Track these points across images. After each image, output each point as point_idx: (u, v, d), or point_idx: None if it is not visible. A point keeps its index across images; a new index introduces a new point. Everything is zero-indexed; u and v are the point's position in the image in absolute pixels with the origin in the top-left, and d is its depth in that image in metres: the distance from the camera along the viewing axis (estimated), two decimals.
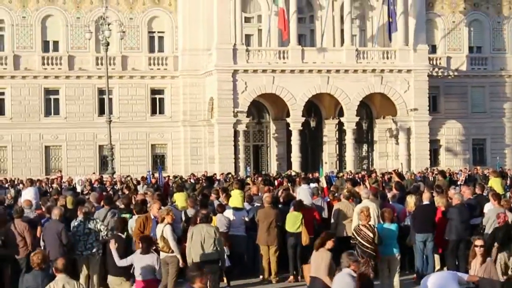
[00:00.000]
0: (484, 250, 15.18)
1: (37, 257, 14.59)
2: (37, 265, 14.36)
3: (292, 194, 28.00)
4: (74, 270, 19.46)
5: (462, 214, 22.52)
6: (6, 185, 45.87)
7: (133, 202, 24.49)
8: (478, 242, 15.44)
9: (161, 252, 18.80)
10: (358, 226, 19.84)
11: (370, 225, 19.90)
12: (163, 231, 18.75)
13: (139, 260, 16.11)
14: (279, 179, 43.35)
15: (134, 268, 16.42)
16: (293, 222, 22.88)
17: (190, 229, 19.34)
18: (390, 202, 25.06)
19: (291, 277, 22.86)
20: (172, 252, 18.75)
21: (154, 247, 17.39)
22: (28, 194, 28.93)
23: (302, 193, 26.43)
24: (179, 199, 26.42)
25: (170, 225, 18.83)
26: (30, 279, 14.47)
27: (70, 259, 16.99)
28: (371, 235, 19.43)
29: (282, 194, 27.58)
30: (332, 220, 23.71)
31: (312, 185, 30.96)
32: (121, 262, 16.73)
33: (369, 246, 19.27)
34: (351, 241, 20.15)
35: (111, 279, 17.74)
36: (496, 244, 18.39)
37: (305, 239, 22.75)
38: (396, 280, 20.25)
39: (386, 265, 20.26)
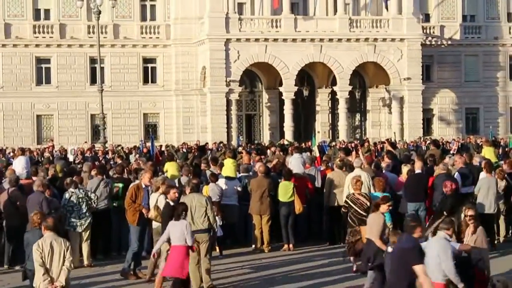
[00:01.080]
0: (475, 219, 15.21)
1: (37, 217, 15.01)
2: (37, 224, 14.67)
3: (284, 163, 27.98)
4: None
5: (445, 183, 22.60)
6: None
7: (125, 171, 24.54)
8: (469, 212, 15.47)
9: (154, 222, 18.81)
10: (354, 194, 19.83)
11: (365, 193, 19.95)
12: (157, 200, 18.72)
13: (173, 227, 16.14)
14: (272, 148, 43.37)
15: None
16: (285, 191, 22.90)
17: (181, 198, 19.33)
18: (384, 171, 25.08)
19: (285, 246, 22.90)
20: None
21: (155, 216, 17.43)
22: (19, 163, 28.93)
23: (294, 162, 26.42)
24: (170, 168, 26.41)
25: (164, 194, 18.80)
26: (30, 236, 14.76)
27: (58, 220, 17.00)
28: (368, 203, 19.46)
29: (275, 163, 27.56)
30: (325, 190, 23.72)
31: (305, 154, 30.96)
32: (162, 237, 16.65)
33: (365, 214, 19.30)
34: (342, 209, 20.17)
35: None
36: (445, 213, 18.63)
37: (298, 208, 22.84)
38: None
39: None
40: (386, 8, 65.33)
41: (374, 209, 16.91)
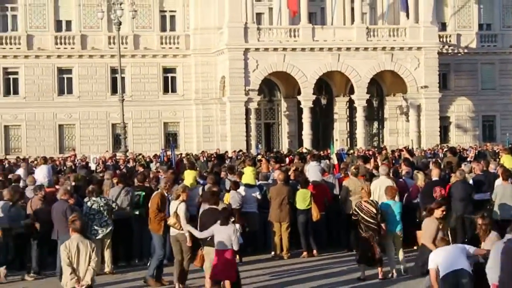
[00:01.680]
0: (486, 227, 15.18)
1: (79, 224, 14.79)
2: (79, 229, 14.49)
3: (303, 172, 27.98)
4: None
5: (461, 191, 22.50)
6: (20, 164, 45.94)
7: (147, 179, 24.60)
8: (479, 220, 15.47)
9: (172, 229, 18.84)
10: (360, 202, 19.89)
11: (372, 200, 19.97)
12: (177, 208, 18.77)
13: (218, 231, 16.22)
14: (290, 156, 43.37)
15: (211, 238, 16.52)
16: (303, 199, 22.96)
17: (202, 206, 19.36)
18: (403, 179, 25.08)
19: (305, 253, 22.95)
20: (181, 230, 18.77)
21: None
22: (41, 172, 29.04)
23: (311, 170, 26.45)
24: (188, 176, 26.39)
25: (185, 202, 18.84)
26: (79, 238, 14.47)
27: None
28: (374, 210, 19.50)
29: (293, 172, 27.57)
30: (341, 197, 23.76)
31: (324, 162, 30.99)
32: (202, 234, 16.76)
33: (372, 221, 19.34)
34: (352, 217, 20.19)
35: (208, 249, 17.70)
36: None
37: (315, 215, 22.90)
38: (401, 254, 20.33)
39: (391, 240, 20.32)
40: (407, 15, 65.29)
41: (428, 214, 17.01)
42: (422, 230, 16.55)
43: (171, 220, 18.64)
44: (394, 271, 19.94)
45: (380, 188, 22.44)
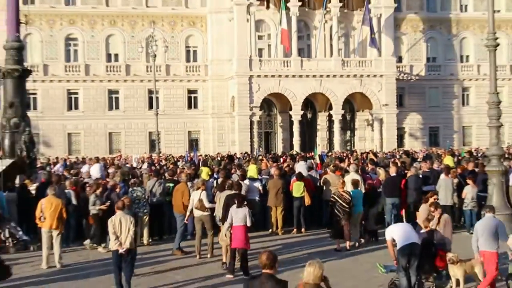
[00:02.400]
0: (435, 210, 15.21)
1: (126, 201, 15.91)
2: (121, 207, 15.01)
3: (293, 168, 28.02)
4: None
5: (414, 183, 22.67)
6: (79, 162, 45.95)
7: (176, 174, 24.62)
8: (432, 207, 15.50)
9: (196, 211, 18.85)
10: (338, 191, 19.93)
11: (346, 191, 20.02)
12: (200, 195, 18.85)
13: (235, 212, 16.31)
14: (284, 157, 43.30)
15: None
16: (297, 189, 23.04)
17: (217, 194, 19.39)
18: (369, 174, 25.10)
19: (294, 230, 22.97)
20: (207, 211, 18.85)
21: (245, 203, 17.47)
22: (95, 169, 29.03)
23: (300, 167, 26.50)
24: (203, 171, 26.70)
25: (205, 191, 19.01)
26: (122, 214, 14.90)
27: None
28: (349, 197, 19.61)
29: (287, 167, 27.63)
30: (324, 188, 23.78)
31: (309, 161, 30.95)
32: (228, 220, 16.73)
33: (346, 205, 19.43)
34: (329, 203, 20.19)
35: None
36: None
37: (307, 201, 23.05)
38: (357, 229, 20.46)
39: (358, 218, 20.41)
40: (379, 50, 65.46)
41: (424, 201, 16.97)
42: (419, 212, 16.52)
43: (197, 204, 18.74)
44: (361, 240, 20.08)
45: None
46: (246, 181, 23.24)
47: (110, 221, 14.59)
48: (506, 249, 14.26)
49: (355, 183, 20.74)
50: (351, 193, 20.07)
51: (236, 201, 16.68)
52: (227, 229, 16.81)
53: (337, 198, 19.70)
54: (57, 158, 49.93)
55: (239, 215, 16.38)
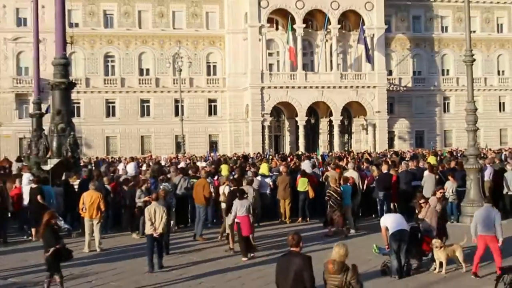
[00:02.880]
0: (423, 202, 15.16)
1: (161, 193, 16.67)
2: (156, 198, 15.67)
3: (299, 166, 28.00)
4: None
5: (405, 177, 22.65)
6: (116, 161, 46.10)
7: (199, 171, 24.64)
8: (420, 200, 15.46)
9: (223, 203, 19.04)
10: (333, 187, 19.87)
11: (339, 186, 19.99)
12: (224, 189, 19.11)
13: (239, 204, 16.39)
14: (291, 156, 43.31)
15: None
16: (302, 184, 22.91)
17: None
18: (364, 171, 25.07)
19: (300, 219, 22.85)
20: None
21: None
22: (130, 167, 29.12)
23: (305, 165, 26.46)
24: (224, 169, 26.70)
25: (228, 186, 19.10)
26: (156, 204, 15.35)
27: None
28: (341, 192, 19.64)
29: (293, 165, 27.59)
30: (326, 183, 23.74)
31: (312, 160, 30.95)
32: (233, 212, 16.66)
33: (340, 199, 19.42)
34: (326, 197, 20.13)
35: None
36: None
37: (311, 194, 22.88)
38: (351, 219, 20.44)
39: (349, 210, 20.43)
40: (372, 65, 65.39)
41: (432, 194, 16.76)
42: (430, 204, 16.40)
43: (221, 198, 19.14)
44: (351, 230, 20.03)
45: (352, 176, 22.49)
46: (259, 177, 23.25)
47: (147, 210, 15.12)
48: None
49: (345, 180, 20.68)
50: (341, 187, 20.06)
51: (238, 195, 16.68)
52: (233, 219, 16.76)
53: (332, 192, 19.67)
54: (97, 158, 50.13)
55: (244, 206, 16.39)
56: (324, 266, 8.66)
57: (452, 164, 25.99)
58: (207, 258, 16.22)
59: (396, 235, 13.58)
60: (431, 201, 15.81)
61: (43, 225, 12.10)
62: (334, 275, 8.46)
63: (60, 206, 20.51)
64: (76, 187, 21.60)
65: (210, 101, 67.75)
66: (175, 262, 15.77)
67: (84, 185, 19.88)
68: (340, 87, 64.66)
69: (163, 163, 40.41)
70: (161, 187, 19.73)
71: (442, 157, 36.16)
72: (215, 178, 23.51)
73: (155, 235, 14.71)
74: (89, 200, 17.51)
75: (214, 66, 68.38)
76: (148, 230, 14.89)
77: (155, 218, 14.77)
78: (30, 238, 19.66)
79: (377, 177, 23.37)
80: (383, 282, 13.42)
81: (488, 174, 23.54)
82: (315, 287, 8.45)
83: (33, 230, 19.55)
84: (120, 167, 30.95)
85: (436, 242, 13.95)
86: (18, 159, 36.68)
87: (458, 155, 39.96)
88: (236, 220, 16.48)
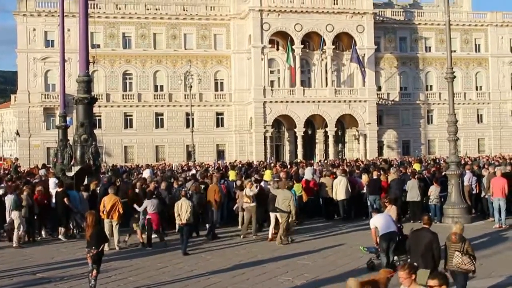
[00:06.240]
0: (387, 202, 15.75)
1: (184, 192, 17.88)
2: (184, 194, 17.31)
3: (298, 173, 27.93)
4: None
5: (396, 184, 22.54)
6: (132, 169, 46.10)
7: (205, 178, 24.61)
8: (384, 200, 16.09)
9: (245, 204, 19.45)
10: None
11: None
12: (246, 192, 19.48)
13: (150, 203, 17.86)
14: (291, 164, 43.30)
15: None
16: (297, 189, 22.71)
17: (238, 192, 19.50)
18: (355, 177, 25.00)
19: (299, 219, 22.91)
20: (252, 203, 19.38)
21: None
22: (145, 173, 29.10)
23: (307, 172, 26.43)
24: (231, 174, 26.64)
25: (250, 189, 19.47)
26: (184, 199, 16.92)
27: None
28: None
29: (293, 172, 27.53)
30: (321, 188, 23.72)
31: (313, 167, 30.96)
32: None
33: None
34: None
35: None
36: None
37: (305, 198, 22.91)
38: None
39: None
40: (364, 80, 65.37)
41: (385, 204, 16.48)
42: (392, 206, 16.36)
43: (245, 199, 19.51)
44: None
45: (341, 181, 22.53)
46: (262, 183, 23.19)
47: (176, 204, 16.68)
48: None
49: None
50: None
51: (148, 195, 18.34)
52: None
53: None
54: (115, 165, 50.08)
55: (154, 205, 17.82)
56: (448, 237, 10.38)
57: (435, 170, 26.00)
58: (215, 256, 16.19)
59: (386, 236, 13.54)
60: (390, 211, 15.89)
61: (90, 225, 11.77)
62: (455, 243, 10.15)
63: (86, 209, 20.47)
64: (97, 191, 21.59)
65: (218, 114, 67.77)
66: (187, 259, 15.76)
67: (105, 189, 19.88)
68: (334, 101, 64.67)
69: (175, 169, 40.49)
70: (192, 185, 20.13)
71: (426, 164, 36.06)
72: (222, 182, 23.48)
73: (180, 224, 16.39)
74: (109, 203, 17.52)
75: (221, 83, 68.43)
76: (177, 220, 16.61)
77: (181, 211, 16.37)
78: (56, 236, 19.65)
79: (367, 183, 23.31)
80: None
81: (467, 179, 23.48)
82: (440, 255, 10.35)
83: (61, 229, 19.60)
84: (146, 173, 30.89)
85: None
86: (43, 166, 36.83)
87: (441, 162, 39.88)
88: (147, 216, 17.63)
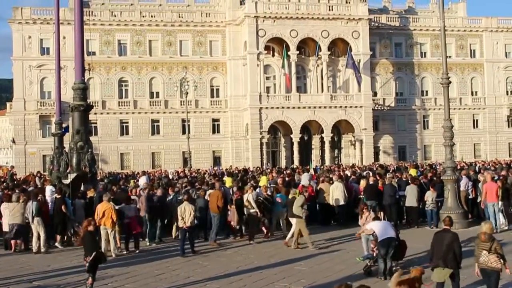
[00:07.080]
0: (364, 208, 16.19)
1: (186, 196, 18.30)
2: (187, 199, 17.88)
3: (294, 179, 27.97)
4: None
5: (390, 190, 22.44)
6: (129, 176, 46.04)
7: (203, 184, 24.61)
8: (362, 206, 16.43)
9: (245, 209, 19.80)
10: (265, 195, 21.03)
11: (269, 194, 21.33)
12: (248, 197, 19.82)
13: (127, 208, 18.41)
14: (287, 169, 43.30)
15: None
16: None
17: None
18: (351, 183, 25.03)
19: None
20: (253, 209, 19.69)
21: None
22: (142, 180, 29.07)
23: (304, 177, 26.47)
24: (228, 180, 26.59)
25: (251, 194, 19.81)
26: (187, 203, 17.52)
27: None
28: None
29: (289, 178, 27.56)
30: (319, 193, 23.71)
31: (310, 173, 30.95)
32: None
33: (270, 206, 20.67)
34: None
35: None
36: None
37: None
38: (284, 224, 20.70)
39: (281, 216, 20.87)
40: (359, 86, 65.44)
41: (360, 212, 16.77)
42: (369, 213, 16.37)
43: (246, 204, 19.77)
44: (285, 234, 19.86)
45: (337, 187, 22.54)
46: (257, 190, 23.17)
47: (179, 208, 17.14)
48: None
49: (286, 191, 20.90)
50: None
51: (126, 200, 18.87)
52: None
53: (263, 200, 20.58)
54: (113, 172, 50.03)
55: (132, 209, 18.41)
56: (478, 235, 10.65)
57: (431, 175, 26.01)
58: (212, 262, 16.17)
59: (385, 242, 13.53)
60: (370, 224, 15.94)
61: (83, 231, 12.09)
62: (484, 242, 10.42)
63: (82, 217, 20.43)
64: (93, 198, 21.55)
65: (214, 120, 67.74)
66: (185, 265, 15.72)
67: (100, 197, 19.85)
68: (330, 107, 64.74)
69: (170, 176, 40.46)
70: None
71: (422, 169, 36.10)
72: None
73: (184, 227, 16.93)
74: (102, 210, 17.48)
75: (217, 89, 68.44)
76: (180, 223, 17.06)
77: (185, 214, 16.90)
78: (52, 244, 19.61)
79: (364, 188, 23.32)
80: (370, 282, 13.21)
81: (464, 184, 23.52)
82: (461, 254, 10.90)
83: (58, 237, 19.57)
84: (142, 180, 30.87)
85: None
86: (37, 174, 36.77)
87: (437, 167, 39.94)
88: (126, 220, 18.02)
